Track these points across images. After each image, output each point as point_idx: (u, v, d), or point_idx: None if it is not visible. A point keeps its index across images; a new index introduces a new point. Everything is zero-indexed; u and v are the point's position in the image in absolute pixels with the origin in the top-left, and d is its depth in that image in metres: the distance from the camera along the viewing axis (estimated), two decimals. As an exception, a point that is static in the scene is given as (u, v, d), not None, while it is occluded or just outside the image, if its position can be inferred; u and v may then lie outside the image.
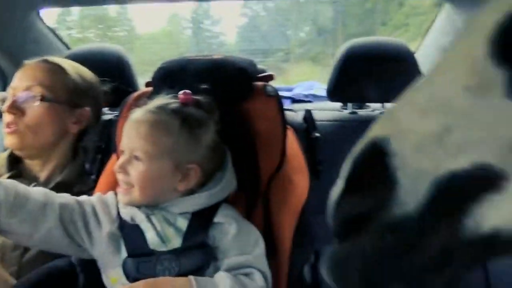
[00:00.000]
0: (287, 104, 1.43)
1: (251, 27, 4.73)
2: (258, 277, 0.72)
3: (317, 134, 1.14)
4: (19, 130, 0.96)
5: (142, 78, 1.21)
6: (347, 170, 0.32)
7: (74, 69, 1.05)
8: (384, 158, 0.30)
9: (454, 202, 0.28)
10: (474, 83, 0.28)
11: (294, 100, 1.58)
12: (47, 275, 0.78)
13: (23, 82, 0.98)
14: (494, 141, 0.27)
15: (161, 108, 0.77)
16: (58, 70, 1.01)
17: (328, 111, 1.38)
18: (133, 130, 0.76)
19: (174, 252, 0.72)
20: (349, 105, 1.37)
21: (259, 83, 0.92)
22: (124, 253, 0.73)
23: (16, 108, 0.96)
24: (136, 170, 0.73)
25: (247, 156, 0.87)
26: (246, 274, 0.72)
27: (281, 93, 1.58)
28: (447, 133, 0.28)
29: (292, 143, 0.94)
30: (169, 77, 0.89)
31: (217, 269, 0.73)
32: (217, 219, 0.76)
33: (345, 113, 1.37)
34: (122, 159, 0.75)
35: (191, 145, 0.76)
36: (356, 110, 1.37)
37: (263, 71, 0.98)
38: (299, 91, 1.67)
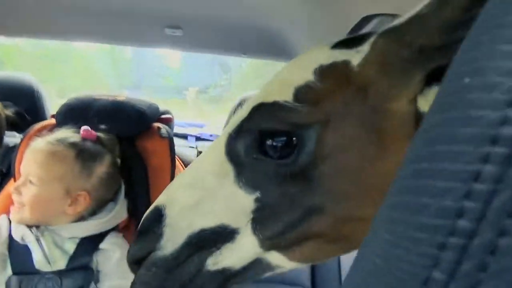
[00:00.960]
0: (191, 141, 1.55)
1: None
2: None
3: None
4: None
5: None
6: (140, 225, 0.45)
7: None
8: (161, 218, 0.43)
9: (203, 247, 0.42)
10: (218, 170, 0.43)
11: (199, 138, 1.66)
12: None
13: None
14: (229, 210, 0.42)
15: (60, 141, 0.86)
16: None
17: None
18: (30, 157, 0.83)
19: (58, 273, 0.80)
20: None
21: (156, 125, 1.02)
22: (9, 271, 0.79)
23: None
24: (29, 192, 0.81)
25: (141, 187, 0.97)
26: None
27: (190, 128, 1.73)
28: (200, 204, 0.42)
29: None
30: (73, 112, 0.96)
31: None
32: (102, 245, 0.85)
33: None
34: (18, 181, 0.83)
35: (83, 174, 0.85)
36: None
37: (165, 113, 1.09)
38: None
